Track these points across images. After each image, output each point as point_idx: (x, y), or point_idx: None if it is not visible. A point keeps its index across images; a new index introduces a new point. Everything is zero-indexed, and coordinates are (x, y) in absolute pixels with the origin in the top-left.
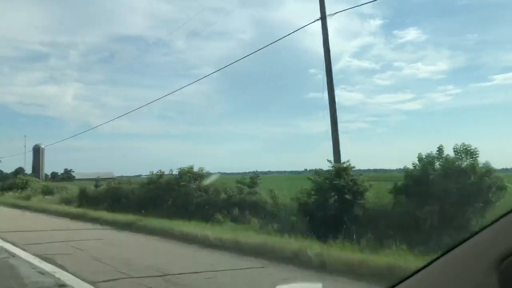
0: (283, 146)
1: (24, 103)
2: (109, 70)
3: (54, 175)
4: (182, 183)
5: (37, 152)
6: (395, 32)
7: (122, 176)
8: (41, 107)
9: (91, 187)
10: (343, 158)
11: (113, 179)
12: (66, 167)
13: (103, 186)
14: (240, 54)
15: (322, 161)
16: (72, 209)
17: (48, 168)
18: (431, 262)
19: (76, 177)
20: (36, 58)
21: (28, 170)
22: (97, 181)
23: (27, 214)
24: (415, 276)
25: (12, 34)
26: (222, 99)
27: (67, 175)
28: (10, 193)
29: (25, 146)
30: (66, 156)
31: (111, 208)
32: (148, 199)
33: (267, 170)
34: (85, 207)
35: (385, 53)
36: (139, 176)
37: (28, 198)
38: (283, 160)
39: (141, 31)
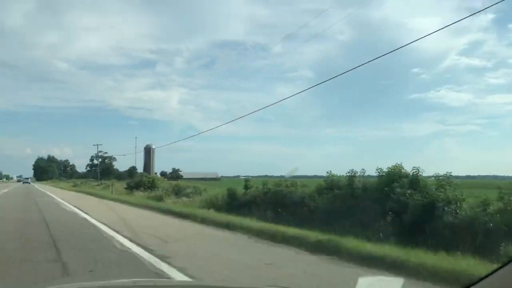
0: (383, 149)
1: (134, 107)
2: (210, 75)
3: (163, 174)
4: (398, 189)
5: (148, 152)
6: (510, 26)
7: (224, 177)
8: (149, 111)
9: (239, 189)
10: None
11: (217, 179)
12: (173, 167)
13: (255, 188)
14: (337, 55)
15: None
16: (233, 218)
17: (157, 167)
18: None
19: (184, 177)
20: (144, 65)
21: (140, 169)
22: (246, 180)
23: (183, 224)
24: (488, 278)
25: (124, 44)
26: (318, 101)
27: (176, 175)
28: (140, 193)
29: (135, 147)
30: (173, 156)
31: (277, 218)
32: (335, 209)
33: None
34: (235, 213)
35: (498, 50)
36: (238, 177)
37: (159, 198)
38: (380, 164)
39: (240, 36)
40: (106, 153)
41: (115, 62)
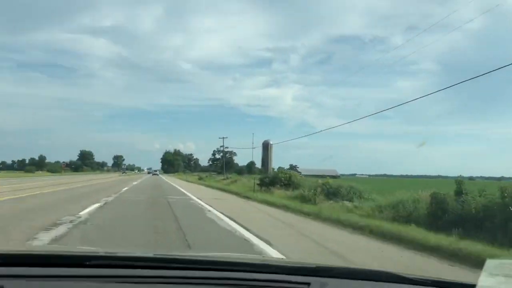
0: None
1: (251, 104)
2: (326, 70)
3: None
4: None
5: (266, 147)
6: None
7: (344, 175)
8: (265, 108)
9: (450, 194)
10: None
11: (337, 177)
12: (290, 163)
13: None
14: (466, 46)
15: None
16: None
17: (274, 163)
18: None
19: (302, 173)
20: (261, 63)
21: (258, 164)
22: (459, 183)
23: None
24: None
25: (242, 43)
26: (443, 96)
27: (295, 171)
28: (278, 191)
29: (252, 143)
30: (287, 153)
31: None
32: None
33: (499, 175)
34: (444, 231)
35: None
36: (354, 175)
37: (306, 200)
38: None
39: (357, 30)
40: (227, 147)
41: (234, 62)
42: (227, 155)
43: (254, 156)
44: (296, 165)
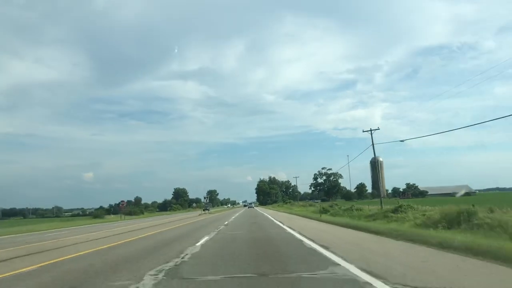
0: None
1: (338, 128)
2: (413, 85)
3: (396, 192)
4: None
5: (376, 166)
6: None
7: (481, 190)
8: (353, 130)
9: None
10: None
11: (471, 193)
12: (407, 182)
13: None
14: None
15: None
16: None
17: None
18: None
19: (429, 192)
20: (344, 86)
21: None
22: None
23: None
24: None
25: (324, 68)
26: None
27: (417, 191)
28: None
29: (348, 164)
30: (389, 173)
31: None
32: None
33: None
34: None
35: None
36: (494, 189)
37: None
38: None
39: (443, 39)
40: (330, 169)
41: (317, 87)
42: (331, 178)
43: (351, 178)
44: (414, 184)
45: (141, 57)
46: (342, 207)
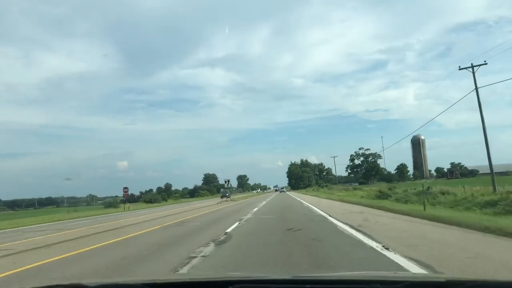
0: None
1: (369, 110)
2: (447, 63)
3: (440, 172)
4: None
5: (417, 145)
6: None
7: None
8: (384, 111)
9: None
10: None
11: None
12: (452, 161)
13: None
14: None
15: None
16: None
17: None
18: None
19: (480, 171)
20: (375, 66)
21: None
22: None
23: None
24: None
25: (354, 49)
26: None
27: (468, 170)
28: None
29: (383, 147)
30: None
31: None
32: None
33: None
34: None
35: None
36: None
37: None
38: None
39: (478, 14)
40: (368, 149)
41: (347, 69)
42: (369, 159)
43: (386, 161)
44: (460, 163)
45: (169, 46)
46: (409, 190)
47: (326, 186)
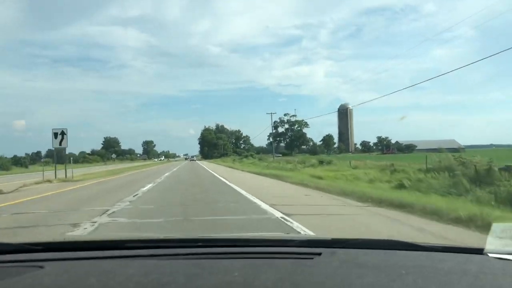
0: None
1: (282, 84)
2: (357, 44)
3: (366, 145)
4: None
5: (344, 115)
6: None
7: (470, 146)
8: (296, 87)
9: None
10: None
11: (459, 149)
12: (379, 135)
13: None
14: (504, 8)
15: None
16: None
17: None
18: None
19: (418, 147)
20: (290, 41)
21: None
22: None
23: None
24: None
25: (270, 23)
26: (482, 62)
27: (406, 146)
28: None
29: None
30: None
31: None
32: None
33: None
34: None
35: None
36: (490, 146)
37: None
38: None
39: (387, 0)
40: (294, 116)
41: (263, 42)
42: (294, 127)
43: (310, 132)
44: (387, 137)
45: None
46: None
47: (250, 155)
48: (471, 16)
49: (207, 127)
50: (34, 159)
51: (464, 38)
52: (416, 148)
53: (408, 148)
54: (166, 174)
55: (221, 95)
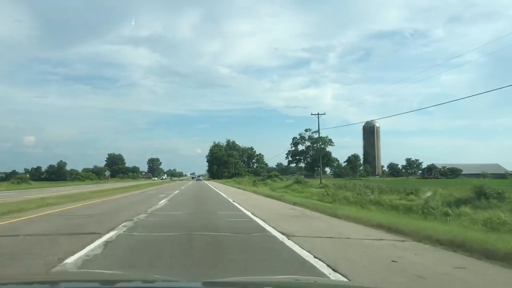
0: None
1: (290, 106)
2: (365, 68)
3: (394, 168)
4: None
5: (370, 132)
6: None
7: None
8: (304, 108)
9: None
10: None
11: (509, 174)
12: (408, 157)
13: None
14: None
15: None
16: None
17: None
18: None
19: (463, 171)
20: (298, 64)
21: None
22: None
23: None
24: None
25: (279, 45)
26: (491, 87)
27: (450, 170)
28: None
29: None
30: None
31: None
32: None
33: None
34: None
35: None
36: None
37: None
38: None
39: (396, 24)
40: (315, 131)
41: (271, 64)
42: (316, 145)
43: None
44: (417, 159)
45: (90, 17)
46: None
47: (276, 178)
48: (478, 42)
49: (217, 142)
50: (34, 174)
51: (472, 64)
52: (462, 172)
53: (452, 173)
54: (158, 203)
55: (229, 115)
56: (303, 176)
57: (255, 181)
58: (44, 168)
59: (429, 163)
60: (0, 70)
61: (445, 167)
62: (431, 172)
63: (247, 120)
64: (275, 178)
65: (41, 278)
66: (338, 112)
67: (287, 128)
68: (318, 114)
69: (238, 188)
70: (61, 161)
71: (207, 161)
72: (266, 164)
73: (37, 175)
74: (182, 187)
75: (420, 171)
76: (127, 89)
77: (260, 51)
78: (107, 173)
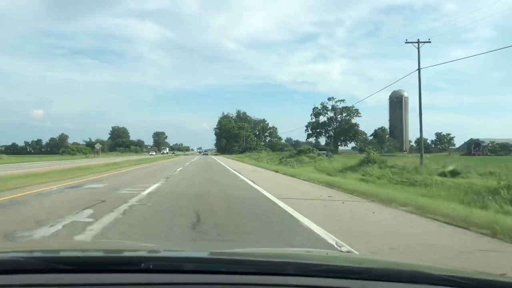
0: None
1: (297, 81)
2: (374, 43)
3: (424, 146)
4: None
5: (398, 104)
6: None
7: None
8: (311, 84)
9: None
10: None
11: None
12: (437, 131)
13: None
14: None
15: None
16: None
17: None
18: None
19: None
20: (306, 38)
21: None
22: None
23: None
24: None
25: (287, 19)
26: (503, 64)
27: (500, 146)
28: None
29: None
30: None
31: None
32: None
33: None
34: None
35: None
36: None
37: None
38: None
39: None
40: (342, 100)
41: (279, 38)
42: (340, 116)
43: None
44: (448, 134)
45: None
46: None
47: (312, 152)
48: (490, 16)
49: (226, 113)
50: (34, 147)
51: (482, 39)
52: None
53: (503, 149)
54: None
55: (236, 90)
56: (325, 153)
57: (282, 157)
58: (45, 141)
59: (465, 138)
60: (6, 42)
61: (493, 142)
62: (479, 147)
63: (254, 96)
64: (311, 154)
65: (43, 247)
66: (346, 88)
67: (294, 104)
68: (418, 41)
69: (266, 169)
70: (62, 134)
71: (215, 134)
72: (280, 138)
73: (38, 148)
74: (184, 166)
75: (452, 146)
76: (134, 63)
77: (268, 25)
78: (98, 146)
